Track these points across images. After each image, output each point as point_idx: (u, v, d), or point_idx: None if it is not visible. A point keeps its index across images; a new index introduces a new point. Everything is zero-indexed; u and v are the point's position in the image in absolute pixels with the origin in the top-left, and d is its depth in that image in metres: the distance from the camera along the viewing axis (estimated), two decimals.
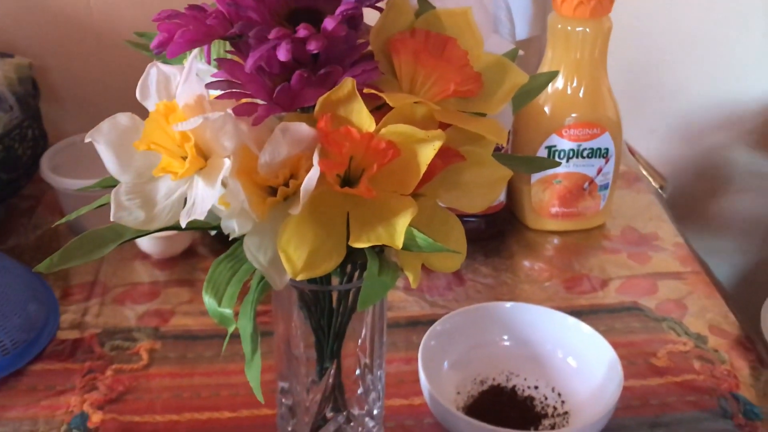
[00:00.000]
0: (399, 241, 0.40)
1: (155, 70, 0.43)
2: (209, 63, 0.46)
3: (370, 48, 0.44)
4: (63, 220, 0.46)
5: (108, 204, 0.45)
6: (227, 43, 0.45)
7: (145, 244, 0.85)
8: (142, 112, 0.44)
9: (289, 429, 0.58)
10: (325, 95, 0.40)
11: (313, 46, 0.40)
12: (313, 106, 0.41)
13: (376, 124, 0.41)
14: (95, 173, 0.84)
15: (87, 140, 0.42)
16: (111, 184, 0.44)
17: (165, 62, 0.44)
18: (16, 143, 0.87)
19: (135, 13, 1.02)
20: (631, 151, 1.11)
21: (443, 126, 0.42)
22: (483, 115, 0.44)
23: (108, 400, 0.68)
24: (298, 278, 0.40)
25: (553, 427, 0.66)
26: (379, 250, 0.44)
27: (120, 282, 0.83)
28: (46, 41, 1.03)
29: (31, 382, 0.70)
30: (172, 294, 0.81)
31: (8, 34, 1.02)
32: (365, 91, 0.41)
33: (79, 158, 0.91)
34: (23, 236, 0.90)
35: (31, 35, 1.02)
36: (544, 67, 0.89)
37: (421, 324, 0.76)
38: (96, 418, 0.67)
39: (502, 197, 0.90)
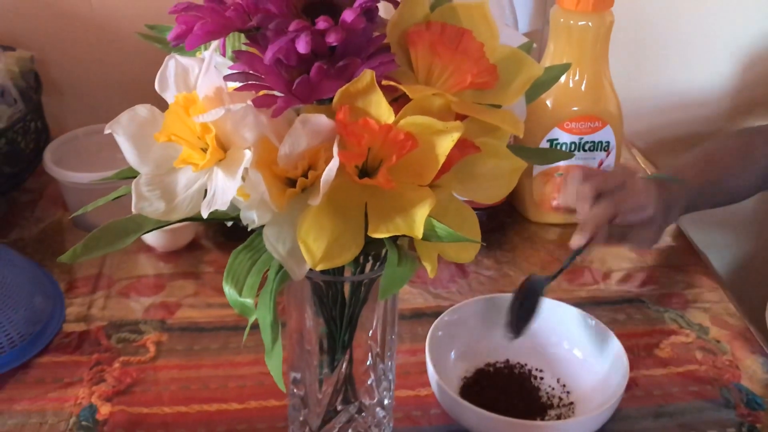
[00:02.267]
0: (419, 231, 0.40)
1: (174, 62, 0.43)
2: (224, 56, 0.47)
3: (386, 41, 0.44)
4: (79, 212, 0.46)
5: (116, 197, 0.45)
6: (242, 36, 0.45)
7: (149, 236, 0.85)
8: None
9: (301, 419, 0.58)
10: (343, 87, 0.41)
11: (332, 38, 0.40)
12: (331, 99, 0.42)
13: (394, 116, 0.41)
14: (97, 166, 0.85)
15: (107, 132, 0.42)
16: (128, 175, 0.44)
17: (181, 54, 0.44)
18: (20, 136, 0.87)
19: (135, 6, 1.02)
20: (630, 145, 1.11)
21: (459, 117, 0.43)
22: (498, 106, 0.45)
23: (116, 392, 0.69)
24: (318, 268, 0.41)
25: (558, 417, 0.67)
26: (395, 241, 0.45)
27: (125, 275, 0.83)
28: (48, 35, 1.03)
29: (38, 375, 0.71)
30: (177, 287, 0.82)
31: (10, 27, 1.01)
32: (383, 83, 0.41)
33: (80, 151, 0.92)
34: (26, 229, 0.90)
35: (32, 29, 1.02)
36: (546, 61, 0.89)
37: (425, 316, 0.77)
38: (104, 410, 0.67)
39: None
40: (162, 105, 0.44)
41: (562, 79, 0.87)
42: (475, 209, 0.86)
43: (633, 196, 0.71)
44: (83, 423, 0.66)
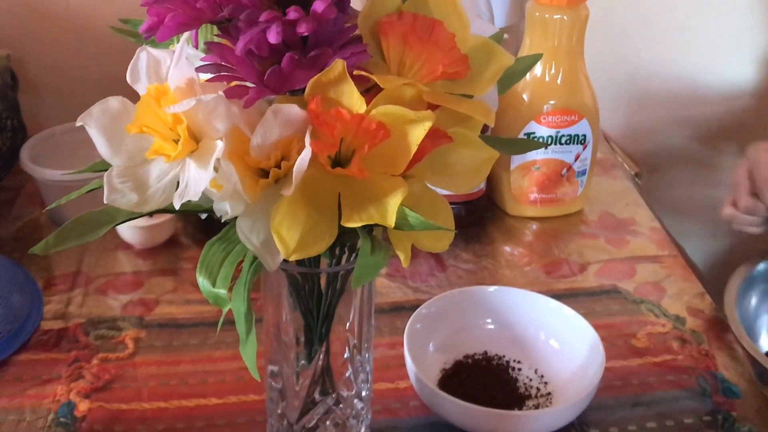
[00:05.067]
0: (391, 220, 0.40)
1: (145, 54, 0.43)
2: (197, 47, 0.47)
3: (358, 31, 0.44)
4: (53, 205, 0.46)
5: (92, 192, 0.45)
6: (215, 27, 0.45)
7: (127, 234, 0.85)
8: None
9: (279, 412, 0.58)
10: (315, 77, 0.41)
11: (303, 29, 0.40)
12: (303, 89, 0.42)
13: (366, 106, 0.41)
14: (75, 164, 0.84)
15: (78, 124, 0.42)
16: (101, 168, 0.44)
17: (154, 47, 0.44)
18: None
19: (112, 4, 1.01)
20: (607, 139, 1.12)
21: (431, 107, 0.43)
22: (470, 96, 0.45)
23: (95, 388, 0.68)
24: (291, 258, 0.41)
25: (536, 407, 0.67)
26: (369, 231, 0.45)
27: (103, 272, 0.83)
28: (24, 33, 1.03)
29: (16, 372, 0.70)
30: (155, 283, 0.82)
31: None
32: (355, 73, 0.41)
33: (58, 149, 0.91)
34: (3, 228, 0.89)
35: (8, 26, 1.02)
36: (522, 55, 0.90)
37: (404, 309, 0.77)
38: (83, 406, 0.67)
39: (482, 184, 0.91)
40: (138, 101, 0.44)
41: (538, 72, 0.88)
42: (454, 203, 0.87)
43: None
44: (61, 420, 0.65)
